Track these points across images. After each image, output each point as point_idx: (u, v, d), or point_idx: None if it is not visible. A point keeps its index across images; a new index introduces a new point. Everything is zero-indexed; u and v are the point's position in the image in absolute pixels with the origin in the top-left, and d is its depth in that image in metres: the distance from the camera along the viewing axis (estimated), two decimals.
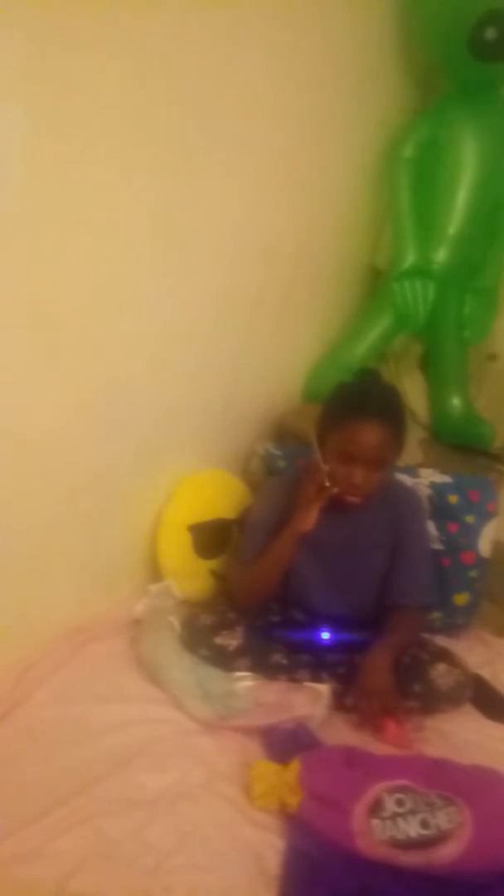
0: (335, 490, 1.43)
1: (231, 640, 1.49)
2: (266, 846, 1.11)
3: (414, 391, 2.03)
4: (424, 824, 1.09)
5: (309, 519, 1.47)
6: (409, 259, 1.99)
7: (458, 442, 1.97)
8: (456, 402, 1.95)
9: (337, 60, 1.82)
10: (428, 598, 1.56)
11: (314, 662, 1.50)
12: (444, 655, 1.48)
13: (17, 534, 1.43)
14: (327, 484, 1.43)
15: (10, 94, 1.15)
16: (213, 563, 1.80)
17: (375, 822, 1.10)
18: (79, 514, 1.56)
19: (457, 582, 1.70)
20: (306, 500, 1.47)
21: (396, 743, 1.33)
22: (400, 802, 1.11)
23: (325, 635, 1.52)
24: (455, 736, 1.39)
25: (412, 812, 1.10)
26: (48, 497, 1.47)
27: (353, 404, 1.44)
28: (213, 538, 1.80)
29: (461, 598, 1.71)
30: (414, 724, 1.41)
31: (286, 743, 1.28)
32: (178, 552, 1.75)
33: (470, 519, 1.69)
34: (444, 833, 1.08)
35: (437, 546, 1.69)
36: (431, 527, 1.68)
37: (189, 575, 1.76)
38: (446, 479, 1.72)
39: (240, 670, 1.46)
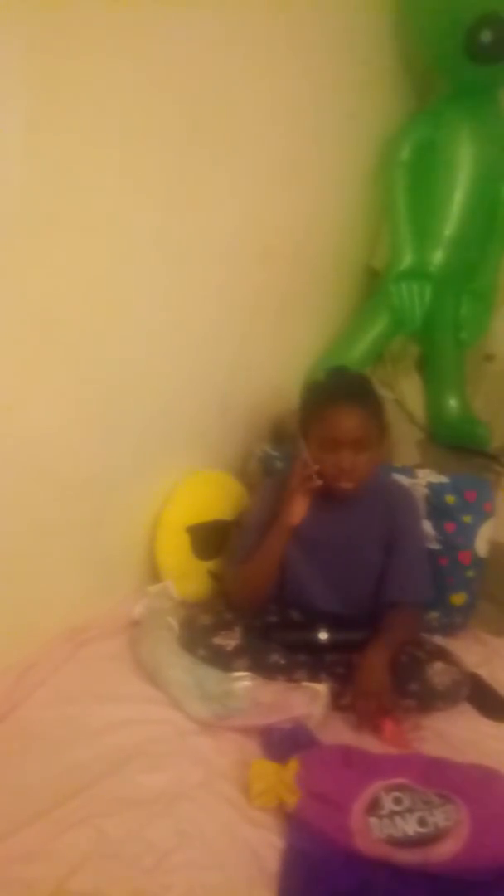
0: (319, 482, 1.45)
1: (229, 641, 1.49)
2: (265, 845, 1.11)
3: (411, 392, 2.04)
4: (422, 822, 1.09)
5: (296, 511, 1.49)
6: (406, 260, 2.00)
7: (454, 442, 1.98)
8: (453, 402, 1.96)
9: (334, 62, 1.83)
10: (424, 595, 1.57)
11: (312, 662, 1.50)
12: (441, 654, 1.49)
13: (16, 534, 1.43)
14: (314, 476, 1.45)
15: (10, 96, 1.15)
16: (211, 564, 1.81)
17: (373, 820, 1.10)
18: (77, 514, 1.56)
19: (454, 582, 1.71)
20: (291, 492, 1.49)
21: (394, 742, 1.34)
22: (398, 801, 1.12)
23: (323, 635, 1.52)
24: (452, 735, 1.39)
25: (410, 810, 1.10)
26: (47, 498, 1.47)
27: (326, 393, 1.50)
28: (211, 539, 1.80)
29: (458, 598, 1.71)
30: (411, 723, 1.41)
31: (284, 742, 1.28)
32: (176, 553, 1.76)
33: (467, 519, 1.70)
34: (442, 831, 1.08)
35: (435, 546, 1.69)
36: (428, 526, 1.69)
37: (188, 576, 1.76)
38: (443, 479, 1.72)
39: (238, 670, 1.46)
